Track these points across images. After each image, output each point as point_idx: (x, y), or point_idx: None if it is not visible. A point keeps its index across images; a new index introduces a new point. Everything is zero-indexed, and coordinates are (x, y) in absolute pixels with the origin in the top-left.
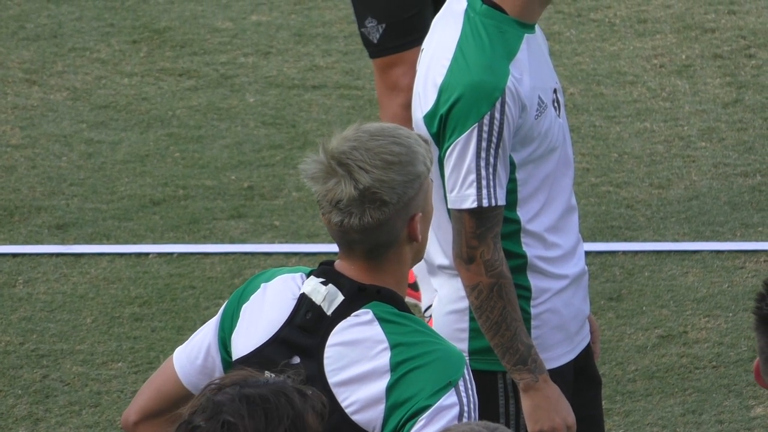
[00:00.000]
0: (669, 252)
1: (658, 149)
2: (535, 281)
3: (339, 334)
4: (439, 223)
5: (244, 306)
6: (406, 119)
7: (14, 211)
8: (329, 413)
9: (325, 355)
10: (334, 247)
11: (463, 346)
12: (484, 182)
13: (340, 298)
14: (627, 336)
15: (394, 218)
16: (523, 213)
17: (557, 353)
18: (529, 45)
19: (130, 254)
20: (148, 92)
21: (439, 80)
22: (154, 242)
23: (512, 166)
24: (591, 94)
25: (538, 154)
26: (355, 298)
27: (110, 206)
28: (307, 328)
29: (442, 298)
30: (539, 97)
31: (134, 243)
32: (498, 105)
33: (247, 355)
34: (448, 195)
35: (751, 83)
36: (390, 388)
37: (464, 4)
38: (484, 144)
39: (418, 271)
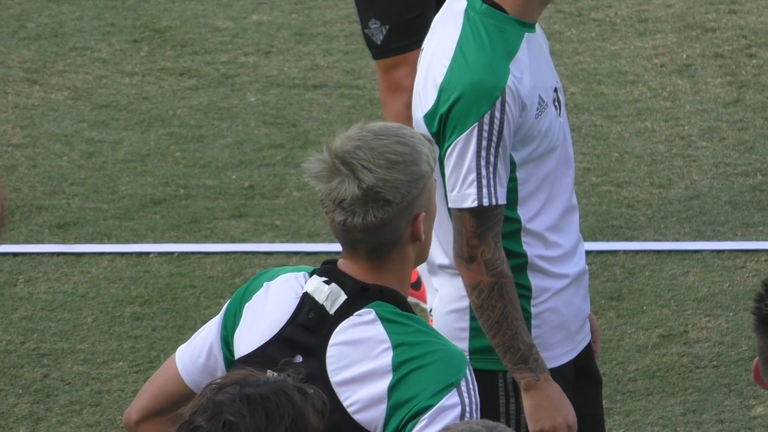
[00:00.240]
0: (670, 251)
1: (658, 149)
2: (535, 280)
3: (341, 333)
4: (440, 223)
5: (246, 305)
6: (410, 119)
7: (15, 210)
8: (331, 412)
9: (328, 354)
10: (335, 247)
11: (463, 345)
12: (484, 181)
13: (343, 297)
14: (628, 335)
15: (398, 218)
16: (523, 212)
17: (558, 352)
18: (529, 44)
19: (130, 253)
20: (149, 92)
21: (439, 80)
22: (155, 241)
23: (513, 165)
24: (592, 93)
25: (538, 153)
26: (358, 297)
27: (111, 205)
28: (309, 327)
29: (442, 297)
30: (539, 96)
31: (135, 242)
32: (498, 104)
33: (249, 353)
34: (448, 194)
35: (752, 83)
36: (392, 388)
37: (464, 4)
38: (484, 143)
39: (422, 271)
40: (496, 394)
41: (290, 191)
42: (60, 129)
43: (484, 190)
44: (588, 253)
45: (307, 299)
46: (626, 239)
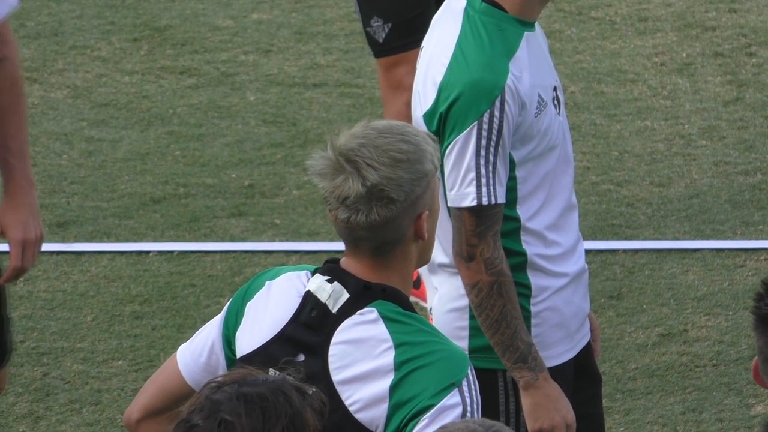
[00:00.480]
0: (669, 250)
1: (658, 147)
2: (535, 279)
3: (344, 332)
4: (439, 221)
5: (248, 304)
6: (410, 117)
7: None
8: (332, 411)
9: (330, 353)
10: (335, 246)
11: (463, 344)
12: (483, 180)
13: (346, 296)
14: (627, 334)
15: (401, 216)
16: (523, 211)
17: (557, 351)
18: (528, 43)
19: (130, 252)
20: (149, 90)
21: (439, 78)
22: (155, 240)
23: (512, 164)
24: (591, 92)
25: (537, 152)
26: (361, 296)
27: (111, 204)
28: (312, 325)
29: (442, 296)
30: (539, 95)
31: (135, 241)
32: (497, 103)
33: (251, 352)
34: (447, 193)
35: (752, 81)
36: (393, 387)
37: (463, 2)
38: (483, 142)
39: (422, 269)
40: (496, 393)
41: (290, 190)
42: (60, 128)
43: (484, 189)
44: (588, 251)
45: (309, 298)
46: (626, 238)
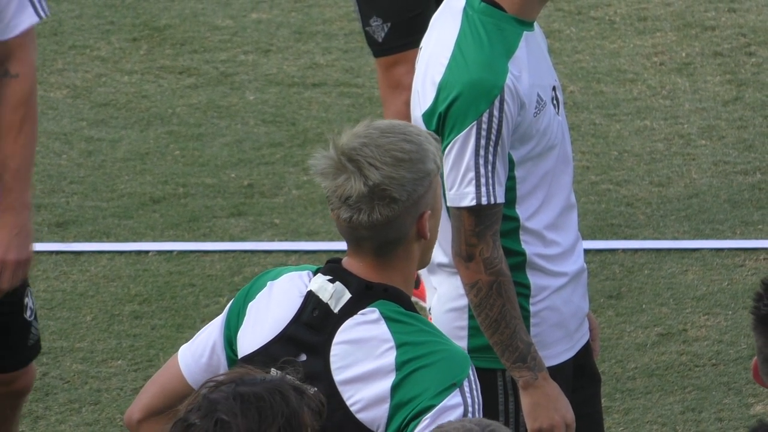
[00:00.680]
0: (669, 250)
1: (658, 147)
2: (534, 279)
3: (345, 332)
4: None
5: (250, 304)
6: (410, 117)
7: None
8: (334, 411)
9: (332, 352)
10: (334, 245)
11: (462, 344)
12: (483, 180)
13: (347, 295)
14: (627, 334)
15: (403, 215)
16: (522, 210)
17: (556, 351)
18: (527, 43)
19: (129, 252)
20: (148, 90)
21: (438, 78)
22: (154, 240)
23: (511, 164)
24: (591, 91)
25: (536, 151)
26: (362, 296)
27: (110, 204)
28: (313, 325)
29: (441, 296)
30: (538, 95)
31: (134, 241)
32: (497, 103)
33: (253, 353)
34: (446, 193)
35: (751, 81)
36: (395, 387)
37: (462, 2)
38: (482, 142)
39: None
40: (495, 393)
41: (289, 190)
42: (59, 127)
43: (483, 189)
44: (587, 251)
45: (311, 298)
46: (625, 238)
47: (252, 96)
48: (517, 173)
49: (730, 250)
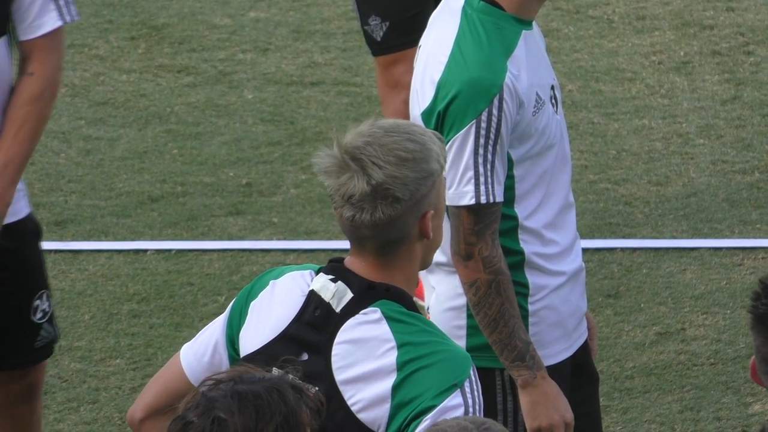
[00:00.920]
0: (667, 249)
1: (656, 146)
2: (532, 278)
3: (347, 331)
4: None
5: (252, 303)
6: (408, 115)
7: None
8: (335, 411)
9: (333, 352)
10: (332, 244)
11: (460, 342)
12: (482, 179)
13: (349, 295)
14: (625, 333)
15: (406, 215)
16: (520, 209)
17: (555, 350)
18: (526, 42)
19: (128, 251)
20: (147, 89)
21: (437, 77)
22: (152, 239)
23: (510, 163)
24: (589, 90)
25: (535, 150)
26: (364, 295)
27: (108, 203)
28: (315, 325)
29: (439, 295)
30: (537, 94)
31: (132, 239)
32: (496, 102)
33: (254, 352)
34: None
35: (750, 80)
36: (396, 388)
37: (461, 1)
38: (482, 141)
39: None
40: (494, 392)
41: (288, 188)
42: (57, 126)
43: (482, 188)
44: (585, 250)
45: (313, 297)
46: (623, 237)
47: (250, 95)
48: (516, 172)
49: (728, 249)
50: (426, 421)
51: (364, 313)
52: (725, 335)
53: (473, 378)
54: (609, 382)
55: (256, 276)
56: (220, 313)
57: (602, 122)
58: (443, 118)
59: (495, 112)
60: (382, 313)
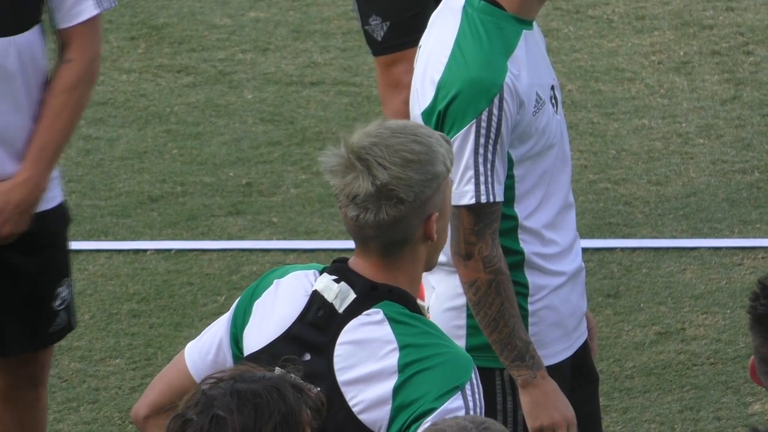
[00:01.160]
0: (667, 249)
1: (656, 146)
2: (532, 278)
3: (349, 332)
4: None
5: (256, 302)
6: (409, 115)
7: None
8: (336, 411)
9: (335, 353)
10: (332, 244)
11: (460, 342)
12: (482, 178)
13: (352, 296)
14: (625, 333)
15: (410, 216)
16: (520, 209)
17: (555, 350)
18: (527, 41)
19: (128, 251)
20: (146, 89)
21: (437, 76)
22: (152, 239)
23: (510, 163)
24: (589, 90)
25: (535, 150)
26: (367, 296)
27: (108, 203)
28: (318, 325)
29: (439, 295)
30: (537, 94)
31: (132, 239)
32: (496, 101)
33: (258, 351)
34: None
35: (749, 80)
36: (397, 389)
37: (462, 1)
38: (482, 140)
39: None
40: (494, 392)
41: (287, 188)
42: None
43: (482, 188)
44: (585, 250)
45: (316, 297)
46: (623, 236)
47: (250, 95)
48: (516, 172)
49: (728, 248)
50: (426, 424)
51: (367, 314)
52: (725, 335)
53: (475, 381)
54: (609, 382)
55: (256, 276)
56: (220, 313)
57: (602, 122)
58: (443, 117)
59: (495, 111)
60: (385, 314)
